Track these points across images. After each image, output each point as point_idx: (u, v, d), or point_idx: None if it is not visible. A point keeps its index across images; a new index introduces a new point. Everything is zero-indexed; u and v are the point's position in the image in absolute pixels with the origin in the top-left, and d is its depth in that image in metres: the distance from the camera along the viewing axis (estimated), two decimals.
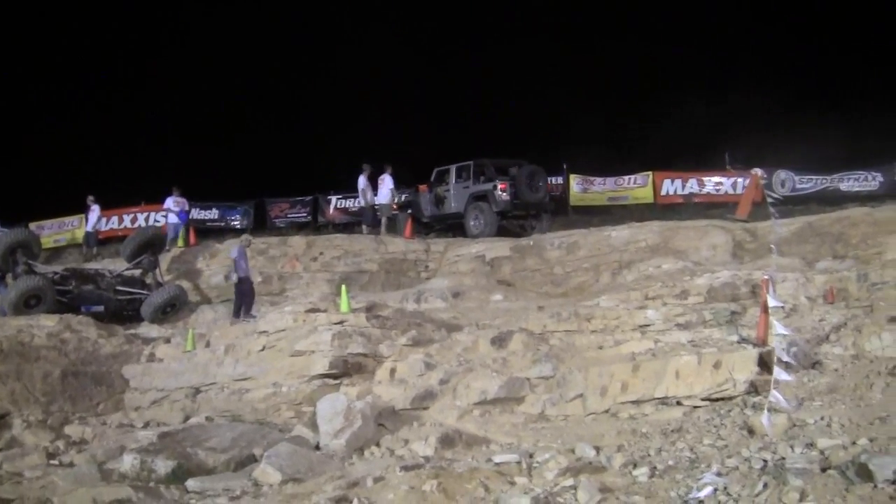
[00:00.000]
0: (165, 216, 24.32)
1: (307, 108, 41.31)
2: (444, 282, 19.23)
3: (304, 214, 28.84)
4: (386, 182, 23.32)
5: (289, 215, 28.87)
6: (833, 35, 35.64)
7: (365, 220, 23.87)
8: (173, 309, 18.37)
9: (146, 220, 27.88)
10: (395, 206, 24.15)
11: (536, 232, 22.46)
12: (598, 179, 27.12)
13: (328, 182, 28.75)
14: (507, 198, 22.72)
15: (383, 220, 23.45)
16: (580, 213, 25.62)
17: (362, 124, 36.45)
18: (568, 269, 19.29)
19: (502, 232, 22.86)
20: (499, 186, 22.72)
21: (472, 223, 23.01)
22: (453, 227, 24.17)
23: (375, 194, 23.81)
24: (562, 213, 25.51)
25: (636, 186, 26.57)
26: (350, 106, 38.76)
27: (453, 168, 24.07)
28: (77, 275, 18.84)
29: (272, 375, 13.43)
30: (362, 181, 23.39)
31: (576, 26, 40.85)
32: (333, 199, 28.57)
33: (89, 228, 25.14)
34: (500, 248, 20.45)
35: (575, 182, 26.83)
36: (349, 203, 27.89)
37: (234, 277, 17.85)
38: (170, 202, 23.84)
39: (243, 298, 17.53)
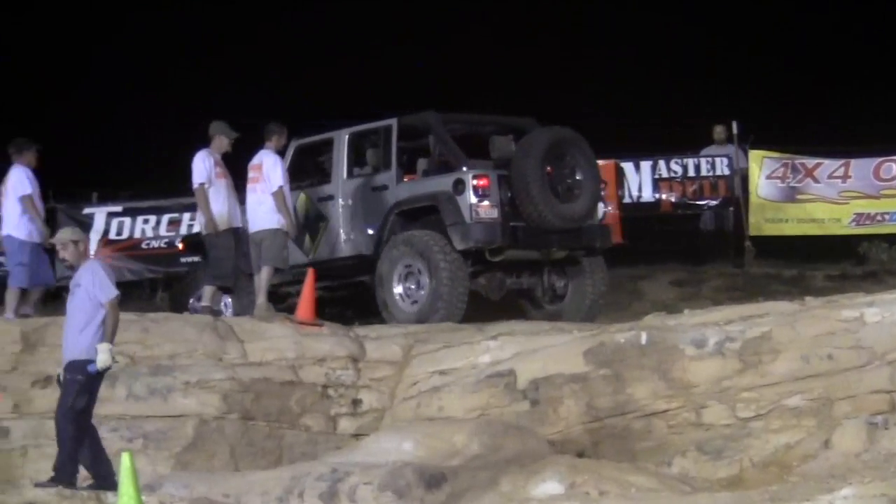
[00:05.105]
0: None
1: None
2: (406, 444, 12.77)
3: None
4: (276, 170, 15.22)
5: None
6: None
7: (213, 271, 15.34)
8: None
9: None
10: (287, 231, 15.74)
11: (571, 302, 15.92)
12: (827, 162, 19.33)
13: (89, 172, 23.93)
14: (495, 213, 15.26)
15: (265, 272, 14.97)
16: (770, 254, 18.85)
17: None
18: (742, 413, 12.68)
19: (476, 305, 15.42)
20: (472, 182, 15.18)
21: (396, 287, 15.35)
22: (340, 294, 16.77)
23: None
24: (726, 253, 19.04)
25: None
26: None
27: (345, 137, 16.41)
28: None
29: None
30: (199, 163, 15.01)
31: None
32: (100, 212, 20.50)
33: None
34: (556, 351, 13.66)
35: (763, 170, 19.26)
36: (153, 224, 20.59)
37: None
38: (20, 175, 15.45)
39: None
